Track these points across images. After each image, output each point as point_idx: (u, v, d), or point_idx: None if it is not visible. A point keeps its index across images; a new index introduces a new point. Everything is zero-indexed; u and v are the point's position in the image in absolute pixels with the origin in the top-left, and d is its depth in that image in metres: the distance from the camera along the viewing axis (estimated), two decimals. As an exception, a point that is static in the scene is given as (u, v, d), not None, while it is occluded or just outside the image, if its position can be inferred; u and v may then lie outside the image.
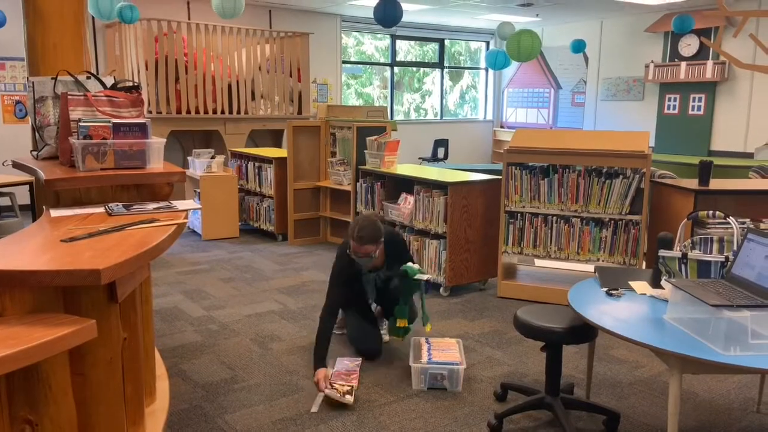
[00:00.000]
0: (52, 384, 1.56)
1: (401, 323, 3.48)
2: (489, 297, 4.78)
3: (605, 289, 2.70)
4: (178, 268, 5.52)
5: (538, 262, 5.36)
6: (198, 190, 6.61)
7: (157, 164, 2.59)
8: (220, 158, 6.80)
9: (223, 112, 7.96)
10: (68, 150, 2.54)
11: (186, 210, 2.37)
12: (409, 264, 3.37)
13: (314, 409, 2.91)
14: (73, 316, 1.63)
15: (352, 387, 3.06)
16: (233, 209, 6.75)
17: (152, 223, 2.10)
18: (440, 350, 3.34)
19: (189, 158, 6.99)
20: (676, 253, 2.59)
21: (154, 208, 2.32)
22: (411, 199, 5.03)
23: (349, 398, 2.97)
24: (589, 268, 4.98)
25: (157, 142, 2.58)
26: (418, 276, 3.31)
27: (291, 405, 2.96)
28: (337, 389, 3.01)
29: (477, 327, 4.10)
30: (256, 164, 6.82)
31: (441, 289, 4.80)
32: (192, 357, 3.53)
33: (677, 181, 4.61)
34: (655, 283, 2.68)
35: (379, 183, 5.39)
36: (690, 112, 9.85)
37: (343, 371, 3.26)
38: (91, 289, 1.77)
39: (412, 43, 11.93)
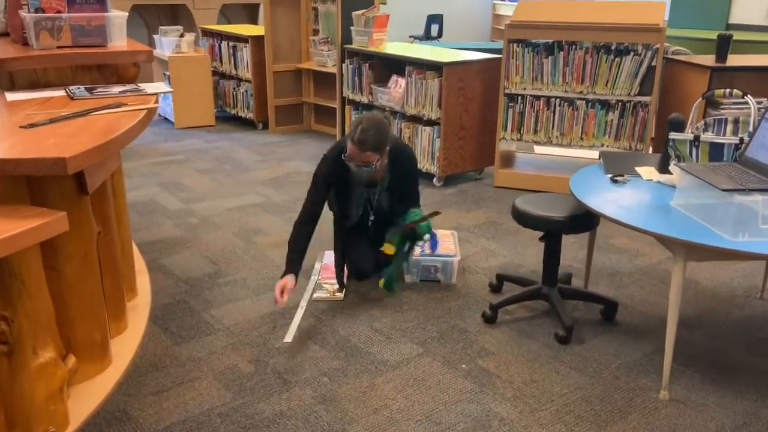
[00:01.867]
0: (25, 279, 1.58)
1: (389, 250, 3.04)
2: (485, 187, 4.81)
3: (610, 176, 2.71)
4: (150, 158, 5.48)
5: (538, 149, 5.36)
6: (167, 73, 6.42)
7: (119, 41, 2.49)
8: (189, 36, 6.55)
9: (190, -16, 7.57)
10: (19, 25, 2.42)
11: (156, 94, 2.32)
12: (415, 212, 3.01)
13: (288, 339, 2.60)
14: (41, 208, 1.62)
15: (343, 283, 3.14)
16: (207, 94, 6.60)
17: (119, 108, 2.06)
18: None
19: (155, 36, 6.73)
20: (687, 135, 2.59)
21: (120, 92, 2.27)
22: (402, 81, 4.91)
23: (339, 295, 3.06)
24: (593, 154, 5.00)
25: (118, 16, 2.46)
26: (425, 235, 2.97)
27: (279, 299, 3.05)
28: (327, 289, 3.09)
29: (472, 218, 4.16)
30: (231, 44, 6.58)
31: (435, 179, 4.82)
32: (172, 251, 3.58)
33: (692, 58, 4.52)
34: (663, 168, 2.69)
35: (367, 64, 5.25)
36: (710, -20, 9.49)
37: (332, 265, 3.33)
38: (59, 180, 1.75)
39: None
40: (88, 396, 1.88)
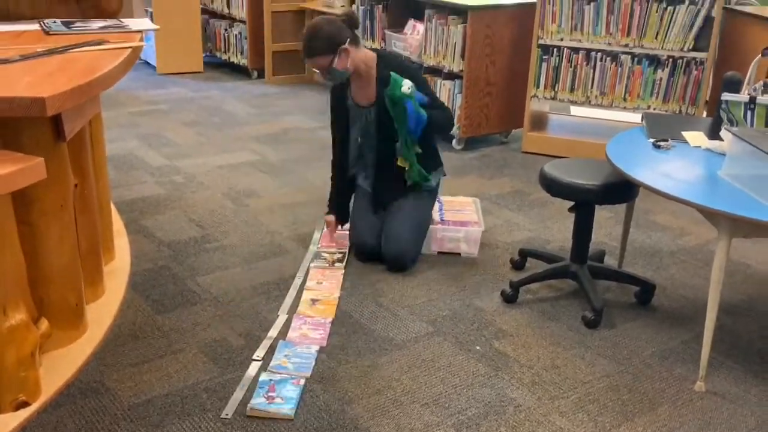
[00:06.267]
0: (-4, 232, 1.65)
1: (402, 163, 3.11)
2: (511, 152, 4.87)
3: (652, 140, 2.77)
4: (130, 107, 5.55)
5: (574, 110, 5.39)
6: (149, 9, 6.46)
7: (99, -30, 2.54)
8: (176, -31, 6.57)
9: None
10: (-13, -51, 2.47)
11: (141, 31, 2.36)
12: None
13: (227, 412, 2.26)
14: (16, 153, 1.69)
15: (344, 253, 3.23)
16: (195, 36, 6.63)
17: (101, 45, 2.11)
18: (454, 210, 3.48)
19: (136, -32, 6.75)
20: (742, 96, 2.63)
21: (101, 28, 2.32)
22: (420, 27, 4.94)
23: (339, 266, 3.15)
24: (637, 118, 5.01)
25: (98, -59, 2.51)
26: (403, 88, 2.85)
27: (273, 268, 3.15)
28: (326, 258, 3.18)
29: (495, 186, 4.22)
30: (223, -22, 6.61)
31: (454, 142, 4.86)
32: (155, 212, 3.68)
33: (760, 10, 4.52)
34: (714, 134, 2.74)
35: (380, 6, 5.27)
36: None
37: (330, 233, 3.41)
38: (34, 124, 1.81)
39: None
40: (62, 364, 1.96)
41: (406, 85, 2.87)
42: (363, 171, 3.34)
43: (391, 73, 2.92)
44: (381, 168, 3.23)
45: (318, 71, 3.13)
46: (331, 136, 3.42)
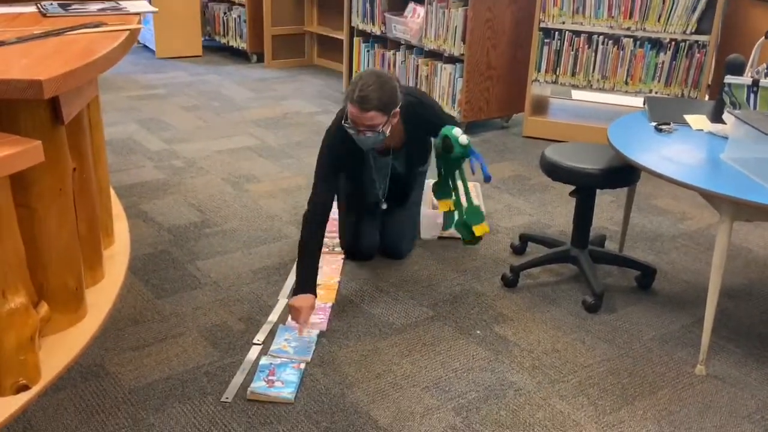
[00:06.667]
0: (-6, 214, 1.66)
1: (480, 230, 2.84)
2: (512, 136, 4.86)
3: (654, 124, 2.76)
4: (128, 91, 5.55)
5: (575, 94, 5.38)
6: (148, -6, 6.44)
7: (96, -50, 2.53)
8: (174, -49, 6.54)
9: None
10: (-17, -70, 2.46)
11: (139, 13, 2.37)
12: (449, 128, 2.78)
13: (227, 397, 2.26)
14: (14, 135, 1.69)
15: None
16: (194, 19, 6.62)
17: (98, 28, 2.12)
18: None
19: (134, -50, 6.72)
20: (745, 79, 2.62)
21: (99, 10, 2.33)
22: (421, 10, 4.93)
23: (339, 250, 3.15)
24: (639, 101, 5.01)
25: None
26: (462, 140, 2.68)
27: (273, 253, 3.16)
28: (326, 242, 3.09)
29: (496, 171, 4.21)
30: (222, -40, 6.59)
31: (454, 125, 4.86)
32: (154, 196, 3.69)
33: (761, -8, 4.50)
34: (716, 117, 2.74)
35: (380, -12, 5.25)
36: None
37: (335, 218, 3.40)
38: (31, 107, 1.81)
39: None
40: (62, 348, 1.97)
41: (462, 137, 2.73)
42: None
43: (444, 134, 2.72)
44: (394, 199, 3.14)
45: (355, 125, 2.63)
46: (315, 188, 2.79)
